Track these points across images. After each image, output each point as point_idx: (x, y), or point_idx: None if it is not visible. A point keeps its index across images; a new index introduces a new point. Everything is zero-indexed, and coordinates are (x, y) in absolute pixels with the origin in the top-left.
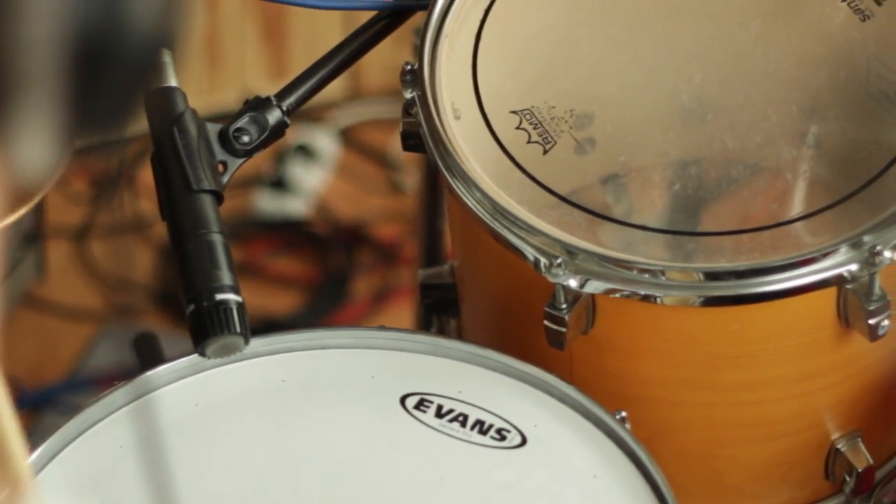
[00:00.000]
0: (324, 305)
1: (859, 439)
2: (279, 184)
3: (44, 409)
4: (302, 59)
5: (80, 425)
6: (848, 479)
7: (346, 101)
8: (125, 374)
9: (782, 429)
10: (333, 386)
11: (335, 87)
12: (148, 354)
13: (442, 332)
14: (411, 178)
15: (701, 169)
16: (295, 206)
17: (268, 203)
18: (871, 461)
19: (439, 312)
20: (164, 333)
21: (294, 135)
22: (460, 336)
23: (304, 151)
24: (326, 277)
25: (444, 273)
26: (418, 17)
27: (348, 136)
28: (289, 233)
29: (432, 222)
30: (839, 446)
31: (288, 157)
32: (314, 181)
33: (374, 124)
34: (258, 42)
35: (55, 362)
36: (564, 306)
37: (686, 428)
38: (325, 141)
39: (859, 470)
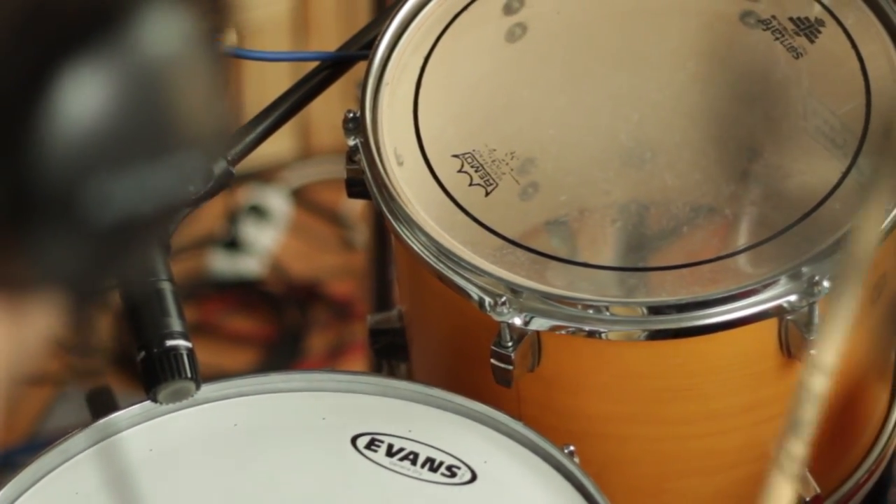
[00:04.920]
0: (279, 363)
1: (806, 469)
2: (233, 244)
3: (3, 471)
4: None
5: (35, 473)
6: None
7: (296, 161)
8: None
9: (730, 461)
10: (285, 429)
11: (286, 148)
12: (102, 408)
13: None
14: (363, 236)
15: (642, 207)
16: (249, 265)
17: (222, 263)
18: (819, 490)
19: (389, 357)
20: (121, 393)
21: (246, 195)
22: (410, 379)
23: (257, 212)
24: (281, 335)
25: (392, 318)
26: (362, 74)
27: (300, 196)
28: (243, 292)
29: (381, 272)
30: None
31: (241, 218)
32: (267, 241)
33: (326, 184)
34: None
35: (14, 425)
36: (510, 344)
37: (635, 462)
38: (277, 201)
39: (807, 500)
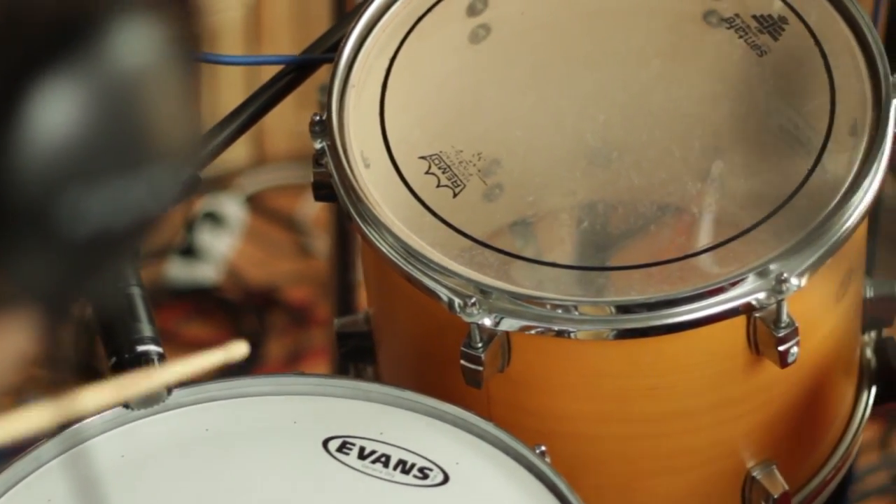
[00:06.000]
0: (238, 369)
1: (774, 466)
2: (189, 251)
3: None
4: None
5: (8, 480)
6: None
7: (251, 167)
8: None
9: (699, 458)
10: (257, 432)
11: (240, 154)
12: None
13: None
14: (319, 242)
15: (608, 206)
16: (205, 272)
17: (178, 271)
18: (787, 487)
19: (356, 360)
20: None
21: (202, 202)
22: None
23: (212, 218)
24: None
25: (359, 321)
26: (323, 78)
27: (255, 202)
28: (200, 299)
29: (343, 276)
30: (755, 474)
31: (196, 225)
32: (223, 247)
33: (281, 189)
34: None
35: None
36: (480, 345)
37: (605, 461)
38: (232, 208)
39: (775, 497)
